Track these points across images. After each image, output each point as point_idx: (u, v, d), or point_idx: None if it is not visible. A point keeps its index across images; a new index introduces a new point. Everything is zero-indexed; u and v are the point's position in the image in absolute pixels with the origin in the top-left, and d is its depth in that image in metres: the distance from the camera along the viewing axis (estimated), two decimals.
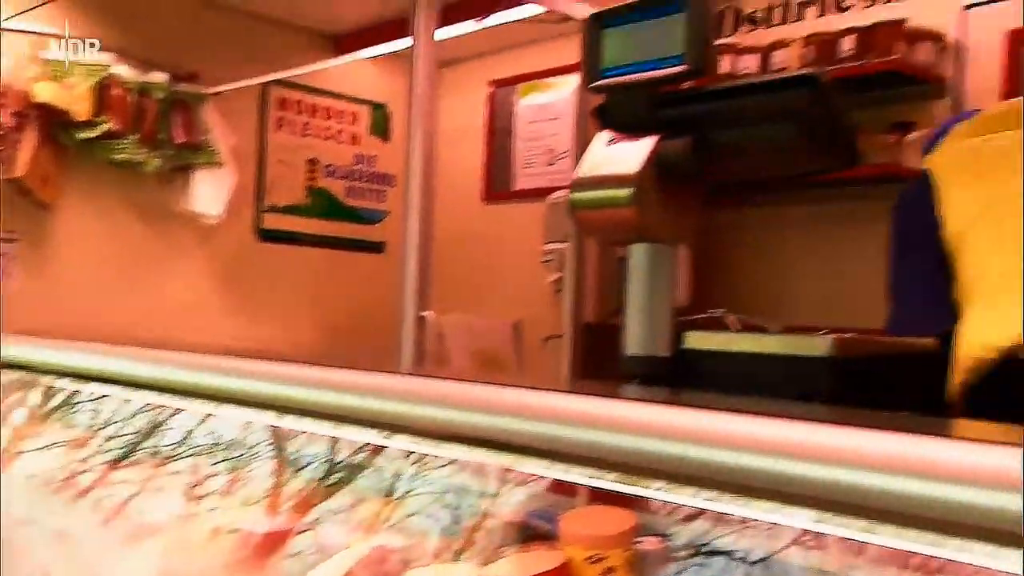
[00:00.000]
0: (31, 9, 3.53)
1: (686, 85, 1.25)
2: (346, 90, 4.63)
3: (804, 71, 1.13)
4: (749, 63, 3.34)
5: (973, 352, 1.40)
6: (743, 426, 0.72)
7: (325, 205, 4.54)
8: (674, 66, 1.19)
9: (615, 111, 1.28)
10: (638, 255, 1.29)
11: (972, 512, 0.57)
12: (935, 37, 3.09)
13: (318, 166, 4.53)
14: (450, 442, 0.97)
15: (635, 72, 1.23)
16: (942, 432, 0.64)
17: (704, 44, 1.20)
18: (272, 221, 4.39)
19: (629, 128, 1.26)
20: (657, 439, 0.75)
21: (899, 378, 1.24)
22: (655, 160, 1.22)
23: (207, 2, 4.03)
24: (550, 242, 3.65)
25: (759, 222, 3.60)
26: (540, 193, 4.06)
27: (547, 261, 3.66)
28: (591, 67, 1.28)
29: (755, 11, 3.64)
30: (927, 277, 1.74)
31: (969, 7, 3.08)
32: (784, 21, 3.54)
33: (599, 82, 1.27)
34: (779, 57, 3.25)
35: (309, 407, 1.07)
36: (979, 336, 1.47)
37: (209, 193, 3.97)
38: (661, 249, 1.26)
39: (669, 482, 0.75)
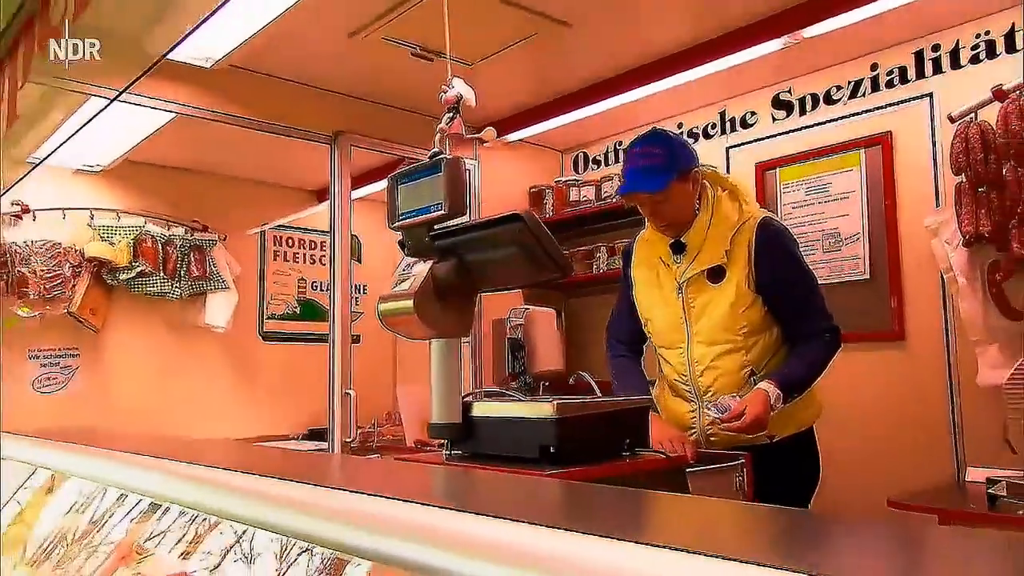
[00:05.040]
0: (99, 208, 3.55)
1: (455, 222, 1.26)
2: (326, 227, 4.65)
3: (516, 211, 1.15)
4: (587, 192, 3.38)
5: None
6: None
7: (312, 311, 4.52)
8: (439, 211, 1.20)
9: (408, 243, 1.29)
10: (434, 348, 1.28)
11: None
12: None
13: (306, 283, 4.52)
14: None
15: (417, 215, 1.24)
16: None
17: (456, 194, 1.21)
18: (271, 326, 4.36)
19: (418, 254, 1.27)
20: None
21: (613, 430, 1.21)
22: (430, 278, 1.22)
23: (213, 174, 4.08)
24: None
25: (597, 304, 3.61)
26: None
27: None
28: (391, 211, 1.29)
29: (598, 154, 3.74)
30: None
31: (729, 148, 3.19)
32: (617, 160, 3.62)
33: (396, 223, 1.28)
34: (606, 187, 3.30)
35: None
36: None
37: (218, 310, 3.94)
38: (448, 342, 1.25)
39: None
